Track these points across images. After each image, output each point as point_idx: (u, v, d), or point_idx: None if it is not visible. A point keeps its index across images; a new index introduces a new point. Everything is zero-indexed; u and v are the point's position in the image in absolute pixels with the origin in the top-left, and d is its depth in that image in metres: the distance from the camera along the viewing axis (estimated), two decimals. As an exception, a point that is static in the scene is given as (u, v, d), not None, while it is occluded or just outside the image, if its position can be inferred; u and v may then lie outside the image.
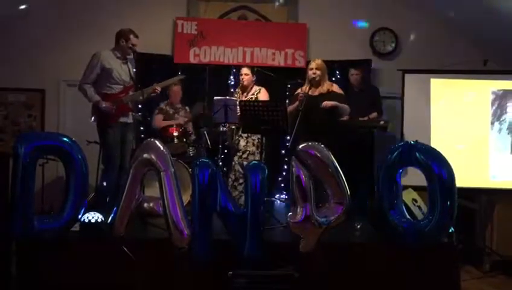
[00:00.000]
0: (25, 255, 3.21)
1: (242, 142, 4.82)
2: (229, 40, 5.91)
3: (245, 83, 4.95)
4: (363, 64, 5.59)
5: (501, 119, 5.23)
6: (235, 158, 4.84)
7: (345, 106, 4.52)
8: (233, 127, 4.90)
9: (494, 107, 5.24)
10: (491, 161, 5.16)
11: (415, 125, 5.13)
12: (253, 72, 5.01)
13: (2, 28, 5.67)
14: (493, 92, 5.25)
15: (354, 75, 5.28)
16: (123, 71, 4.42)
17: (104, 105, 4.26)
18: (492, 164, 5.15)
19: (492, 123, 5.22)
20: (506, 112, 5.23)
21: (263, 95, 4.95)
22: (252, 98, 4.89)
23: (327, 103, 4.39)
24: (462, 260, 4.25)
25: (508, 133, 5.21)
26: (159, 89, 4.54)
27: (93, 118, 4.37)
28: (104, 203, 4.02)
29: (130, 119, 4.52)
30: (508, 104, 5.25)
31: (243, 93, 5.01)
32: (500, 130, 5.21)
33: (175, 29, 5.91)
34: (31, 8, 5.67)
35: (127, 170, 3.28)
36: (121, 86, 4.40)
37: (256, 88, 5.00)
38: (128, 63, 4.52)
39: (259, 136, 4.57)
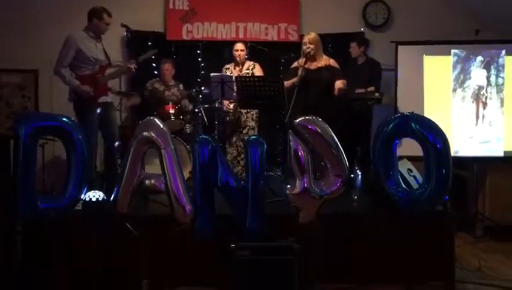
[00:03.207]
0: (30, 234, 3.28)
1: (242, 118, 4.88)
2: (221, 16, 5.88)
3: (241, 58, 4.96)
4: (363, 38, 5.58)
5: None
6: (236, 134, 4.89)
7: (342, 84, 4.52)
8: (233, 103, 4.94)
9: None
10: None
11: (409, 97, 5.15)
12: (246, 47, 5.02)
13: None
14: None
15: (353, 47, 5.28)
16: (98, 51, 4.39)
17: (83, 89, 4.24)
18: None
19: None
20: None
21: (258, 70, 4.98)
22: (247, 73, 4.92)
23: (340, 88, 4.41)
24: (455, 227, 4.37)
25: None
26: (133, 66, 4.49)
27: (71, 98, 4.36)
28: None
29: (109, 98, 4.51)
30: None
31: (235, 68, 5.02)
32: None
33: (167, 5, 5.86)
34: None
35: (128, 148, 3.31)
36: (97, 66, 4.37)
37: (249, 63, 5.02)
38: (102, 42, 4.47)
39: (256, 111, 4.61)
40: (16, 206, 3.11)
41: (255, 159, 3.13)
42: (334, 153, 3.16)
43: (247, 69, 4.99)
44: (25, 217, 3.17)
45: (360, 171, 4.74)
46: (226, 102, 5.01)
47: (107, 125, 4.43)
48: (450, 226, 3.53)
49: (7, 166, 3.31)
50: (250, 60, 5.12)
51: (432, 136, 3.20)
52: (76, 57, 4.27)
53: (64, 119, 3.28)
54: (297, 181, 3.14)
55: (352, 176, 4.75)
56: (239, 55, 4.98)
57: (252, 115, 4.88)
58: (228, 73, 4.97)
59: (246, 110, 4.90)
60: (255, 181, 3.12)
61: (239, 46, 5.03)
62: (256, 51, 5.34)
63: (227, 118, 5.03)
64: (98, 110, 4.35)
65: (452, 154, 4.67)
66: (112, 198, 3.21)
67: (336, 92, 4.45)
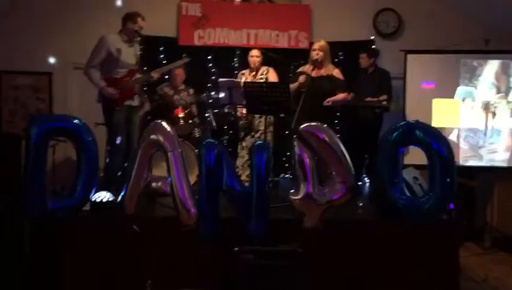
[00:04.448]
0: (38, 234, 3.34)
1: (255, 122, 4.92)
2: (233, 22, 5.93)
3: (256, 64, 5.00)
4: (371, 48, 5.59)
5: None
6: (248, 138, 4.94)
7: (341, 96, 4.60)
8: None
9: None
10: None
11: (418, 106, 5.17)
12: (261, 54, 5.07)
13: (9, 12, 5.72)
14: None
15: (363, 58, 5.30)
16: (129, 55, 4.46)
17: (108, 91, 4.32)
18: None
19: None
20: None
21: (272, 74, 5.01)
22: (261, 78, 4.96)
23: (329, 102, 4.50)
24: (462, 236, 4.36)
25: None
26: (157, 75, 4.58)
27: (99, 99, 4.45)
28: (112, 183, 4.13)
29: (135, 102, 4.58)
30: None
31: (250, 74, 5.06)
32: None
33: (179, 11, 5.94)
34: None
35: (135, 151, 3.38)
36: (126, 70, 4.43)
37: (264, 68, 5.06)
38: (135, 46, 4.56)
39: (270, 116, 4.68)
40: (25, 205, 3.19)
41: (260, 164, 3.16)
42: (339, 160, 3.18)
43: (262, 74, 5.04)
44: (34, 216, 3.24)
45: (367, 178, 4.77)
46: (239, 107, 5.05)
47: (129, 128, 4.50)
48: (455, 235, 3.51)
49: (18, 166, 3.37)
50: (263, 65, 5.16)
51: (436, 144, 3.21)
52: (106, 59, 4.35)
53: (75, 121, 3.36)
54: (302, 186, 3.17)
55: (359, 183, 4.79)
56: (254, 61, 5.02)
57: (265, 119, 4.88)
58: (243, 79, 5.01)
59: (258, 115, 4.93)
60: (260, 185, 3.16)
61: (254, 52, 5.08)
62: (267, 57, 5.36)
63: (240, 122, 5.07)
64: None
65: (460, 163, 4.82)
66: (119, 199, 3.27)
67: (326, 102, 4.49)
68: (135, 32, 4.46)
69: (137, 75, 4.54)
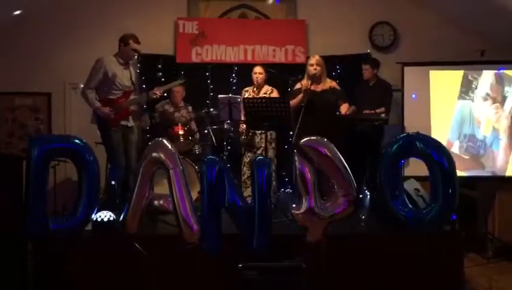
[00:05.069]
0: (40, 254, 3.33)
1: (256, 139, 4.92)
2: (230, 39, 5.98)
3: (259, 81, 4.99)
4: (373, 58, 5.62)
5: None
6: (250, 154, 4.93)
7: (347, 106, 4.73)
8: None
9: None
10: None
11: (416, 117, 5.20)
12: (265, 71, 5.07)
13: (7, 33, 5.75)
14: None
15: (367, 69, 5.33)
16: (124, 76, 4.49)
17: (103, 110, 4.34)
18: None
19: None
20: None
21: (275, 95, 5.00)
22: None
23: (346, 113, 4.65)
24: (465, 247, 4.34)
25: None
26: (159, 93, 4.61)
27: (93, 120, 4.46)
28: (114, 202, 4.11)
29: (130, 123, 4.59)
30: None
31: (254, 91, 5.04)
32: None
33: (176, 29, 5.99)
34: (36, 12, 5.75)
35: (135, 170, 3.37)
36: (122, 91, 4.46)
37: (268, 88, 5.04)
38: (130, 68, 4.58)
39: (271, 132, 4.67)
40: (27, 226, 3.17)
41: (262, 180, 3.15)
42: (341, 173, 3.17)
43: (265, 93, 5.02)
44: (36, 236, 3.22)
45: (368, 191, 4.76)
46: (240, 122, 5.04)
47: (126, 149, 4.50)
48: (459, 246, 3.51)
49: (19, 187, 3.36)
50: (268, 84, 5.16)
51: (437, 155, 3.22)
52: (103, 80, 4.38)
53: (76, 141, 3.36)
54: (303, 201, 3.16)
55: (360, 196, 4.79)
56: (257, 77, 5.01)
57: (267, 136, 4.88)
58: (246, 95, 5.01)
59: (259, 131, 4.92)
60: (262, 201, 3.14)
61: (257, 69, 5.07)
62: (269, 73, 5.37)
63: (241, 138, 5.07)
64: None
65: (461, 174, 4.83)
66: (121, 218, 3.26)
67: (343, 113, 4.60)
68: (132, 53, 4.49)
69: (132, 96, 4.56)
